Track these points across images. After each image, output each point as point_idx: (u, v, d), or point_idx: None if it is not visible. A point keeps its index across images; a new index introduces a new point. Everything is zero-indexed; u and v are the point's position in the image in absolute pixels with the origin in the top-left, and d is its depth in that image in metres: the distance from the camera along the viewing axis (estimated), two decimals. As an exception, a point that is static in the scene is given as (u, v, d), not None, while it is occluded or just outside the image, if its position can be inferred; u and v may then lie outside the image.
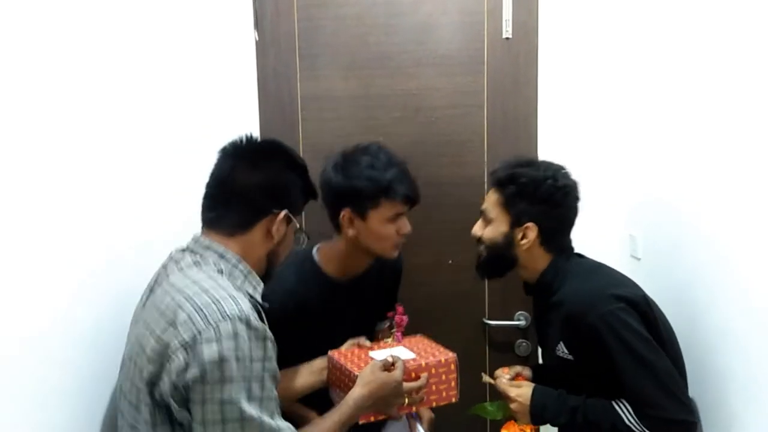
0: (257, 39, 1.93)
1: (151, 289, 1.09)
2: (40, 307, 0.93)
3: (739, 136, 1.20)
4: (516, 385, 1.42)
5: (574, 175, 1.41)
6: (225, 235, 1.10)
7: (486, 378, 1.51)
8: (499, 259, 1.42)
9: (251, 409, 0.94)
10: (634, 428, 1.23)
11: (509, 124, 1.94)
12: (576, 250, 1.45)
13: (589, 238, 1.48)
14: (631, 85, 1.79)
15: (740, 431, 1.22)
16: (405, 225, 1.43)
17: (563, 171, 1.40)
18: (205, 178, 1.14)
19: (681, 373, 1.29)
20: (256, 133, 1.40)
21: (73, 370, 1.03)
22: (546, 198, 1.36)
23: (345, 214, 1.39)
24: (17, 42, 0.90)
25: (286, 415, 1.04)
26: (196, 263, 1.06)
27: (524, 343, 1.99)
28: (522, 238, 1.38)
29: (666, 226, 1.59)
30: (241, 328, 0.95)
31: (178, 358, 0.93)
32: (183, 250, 1.11)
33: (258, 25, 1.93)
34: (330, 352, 1.37)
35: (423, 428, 1.47)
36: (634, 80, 1.77)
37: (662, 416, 1.21)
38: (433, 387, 1.32)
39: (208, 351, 0.92)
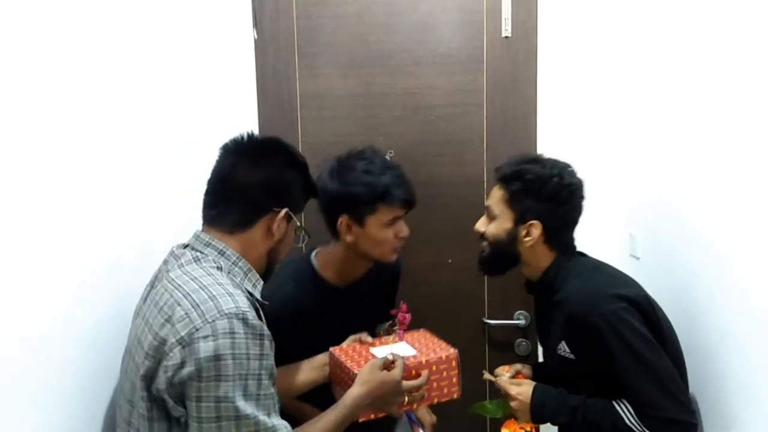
0: (256, 37, 1.92)
1: (152, 285, 1.09)
2: (40, 307, 0.93)
3: (739, 136, 1.19)
4: (516, 383, 1.42)
5: (575, 174, 1.41)
6: (225, 233, 1.10)
7: (486, 375, 1.51)
8: (501, 256, 1.42)
9: (247, 407, 0.94)
10: (634, 429, 1.23)
11: (509, 122, 1.93)
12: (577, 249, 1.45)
13: (588, 237, 1.48)
14: (631, 84, 1.79)
15: (740, 431, 1.22)
16: (403, 228, 1.43)
17: (569, 169, 1.40)
18: (205, 178, 1.14)
19: (682, 373, 1.29)
20: (256, 132, 1.40)
21: (73, 370, 1.02)
22: (552, 196, 1.35)
23: (343, 220, 1.39)
24: (17, 42, 0.89)
25: (284, 411, 1.04)
26: (196, 260, 1.06)
27: (524, 343, 1.99)
28: (526, 236, 1.37)
29: (666, 226, 1.59)
30: (238, 326, 0.95)
31: (175, 355, 0.93)
32: (184, 246, 1.11)
33: (257, 23, 1.92)
34: (331, 349, 1.37)
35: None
36: (633, 79, 1.77)
37: (662, 416, 1.21)
38: (435, 384, 1.32)
39: (204, 348, 0.92)
